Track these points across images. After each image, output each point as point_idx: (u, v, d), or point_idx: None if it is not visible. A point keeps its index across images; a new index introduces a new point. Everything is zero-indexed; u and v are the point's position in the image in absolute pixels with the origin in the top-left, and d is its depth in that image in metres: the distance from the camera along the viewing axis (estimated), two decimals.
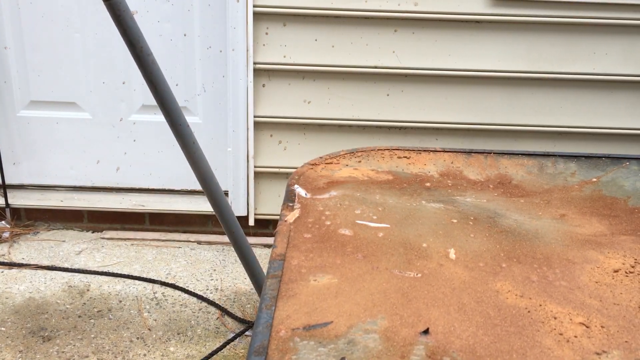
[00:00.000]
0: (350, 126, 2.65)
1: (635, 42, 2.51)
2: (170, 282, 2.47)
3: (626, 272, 0.89)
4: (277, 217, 1.76)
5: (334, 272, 0.85)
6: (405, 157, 1.32)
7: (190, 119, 2.18)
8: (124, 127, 2.79)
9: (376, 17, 2.47)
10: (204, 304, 2.37)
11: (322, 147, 2.65)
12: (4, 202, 2.77)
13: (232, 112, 2.61)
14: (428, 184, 1.20)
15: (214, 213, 1.95)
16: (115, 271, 2.52)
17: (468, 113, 2.62)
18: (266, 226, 2.86)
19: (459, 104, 2.60)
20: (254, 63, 2.53)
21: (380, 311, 0.76)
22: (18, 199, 2.80)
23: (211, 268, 2.61)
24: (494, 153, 1.36)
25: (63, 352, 2.06)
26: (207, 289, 2.46)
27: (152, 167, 2.85)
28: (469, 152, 1.36)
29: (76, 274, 2.51)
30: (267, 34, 2.50)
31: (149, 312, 2.29)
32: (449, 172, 1.27)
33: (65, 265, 2.57)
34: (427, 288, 0.81)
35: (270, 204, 2.77)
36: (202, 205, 2.82)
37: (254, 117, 2.60)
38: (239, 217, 2.10)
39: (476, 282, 0.83)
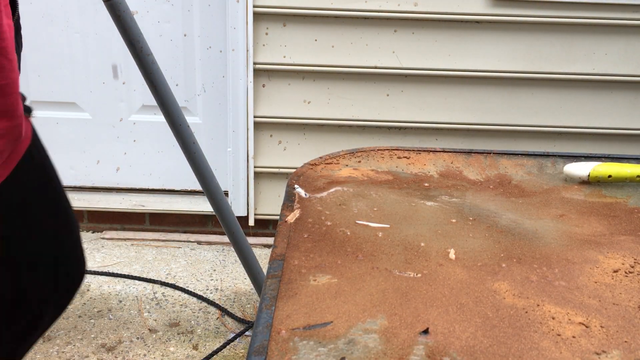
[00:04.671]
0: (350, 126, 2.65)
1: (634, 42, 2.52)
2: (170, 282, 2.47)
3: (626, 272, 0.89)
4: (277, 217, 1.77)
5: (334, 272, 0.85)
6: (405, 157, 1.32)
7: (190, 119, 2.18)
8: (124, 127, 2.79)
9: (376, 17, 2.47)
10: (204, 304, 2.37)
11: (322, 147, 2.65)
12: None
13: (232, 112, 2.61)
14: (428, 184, 1.20)
15: (214, 213, 1.95)
16: (115, 271, 2.53)
17: (468, 113, 2.62)
18: (266, 226, 2.86)
19: (459, 104, 2.61)
20: (254, 63, 2.53)
21: (380, 311, 0.76)
22: None
23: (211, 268, 2.61)
24: (493, 153, 1.36)
25: (63, 352, 2.06)
26: (207, 289, 2.46)
27: (152, 167, 2.85)
28: (469, 152, 1.36)
29: None
30: (267, 34, 2.50)
31: (149, 312, 2.29)
32: (449, 172, 1.27)
33: None
34: (426, 288, 0.82)
35: (270, 204, 2.78)
36: (202, 205, 2.82)
37: (254, 117, 2.61)
38: (239, 217, 2.10)
39: (475, 282, 0.84)
